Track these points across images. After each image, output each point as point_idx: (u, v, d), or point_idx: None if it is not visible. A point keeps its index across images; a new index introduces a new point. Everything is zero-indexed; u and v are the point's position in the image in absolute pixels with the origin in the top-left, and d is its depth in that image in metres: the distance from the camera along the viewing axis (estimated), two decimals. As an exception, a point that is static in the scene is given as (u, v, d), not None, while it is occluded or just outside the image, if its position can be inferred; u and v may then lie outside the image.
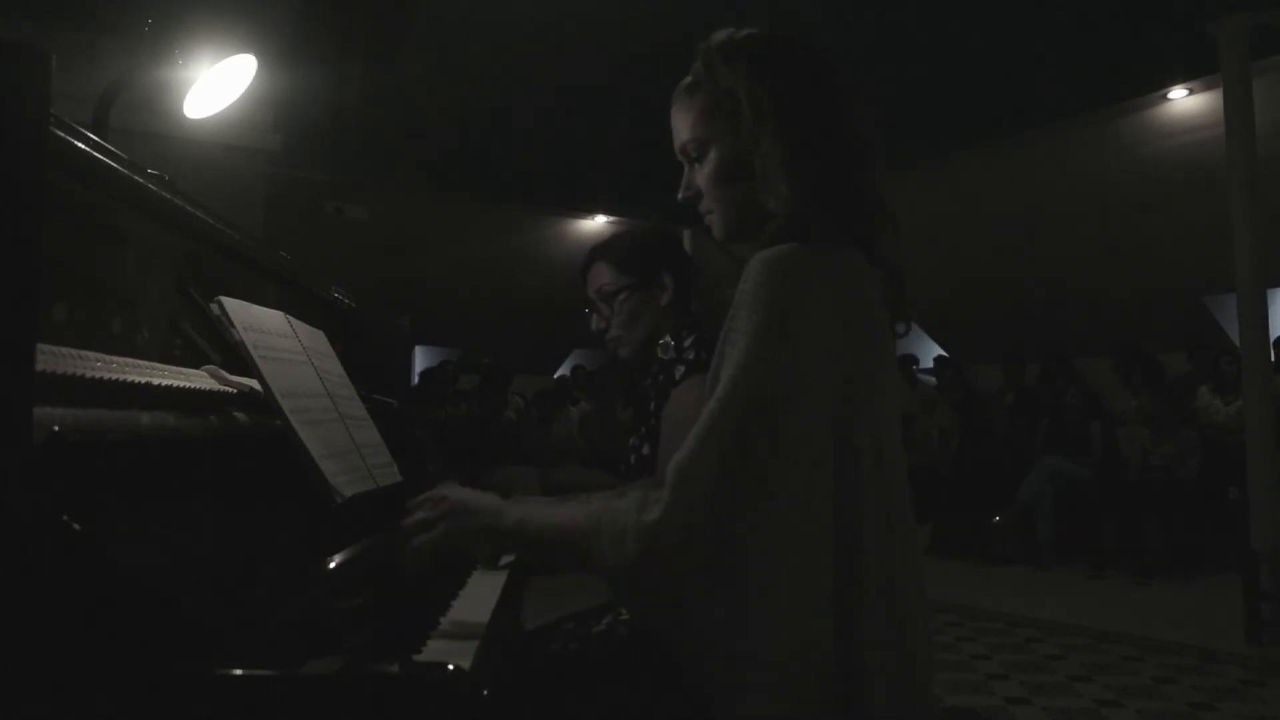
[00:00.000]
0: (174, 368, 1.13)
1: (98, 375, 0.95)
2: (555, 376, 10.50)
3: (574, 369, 10.47)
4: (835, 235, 1.09)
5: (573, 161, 6.54)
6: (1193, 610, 4.75)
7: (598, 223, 8.98)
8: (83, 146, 1.02)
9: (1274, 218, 4.58)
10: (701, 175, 1.19)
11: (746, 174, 1.13)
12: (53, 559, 0.75)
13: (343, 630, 1.00)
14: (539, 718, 1.37)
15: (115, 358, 1.00)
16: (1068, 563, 5.93)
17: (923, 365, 8.78)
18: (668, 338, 1.79)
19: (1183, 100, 5.89)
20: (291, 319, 1.50)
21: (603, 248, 1.89)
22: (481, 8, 4.19)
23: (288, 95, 4.04)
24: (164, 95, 2.15)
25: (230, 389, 1.24)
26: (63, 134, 0.98)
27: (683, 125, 1.19)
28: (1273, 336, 5.07)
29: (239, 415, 1.22)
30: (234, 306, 1.29)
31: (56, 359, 0.89)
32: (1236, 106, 4.41)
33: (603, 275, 1.85)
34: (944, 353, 8.96)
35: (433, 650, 1.00)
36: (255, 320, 1.33)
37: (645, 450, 1.80)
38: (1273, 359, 5.02)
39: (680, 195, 1.22)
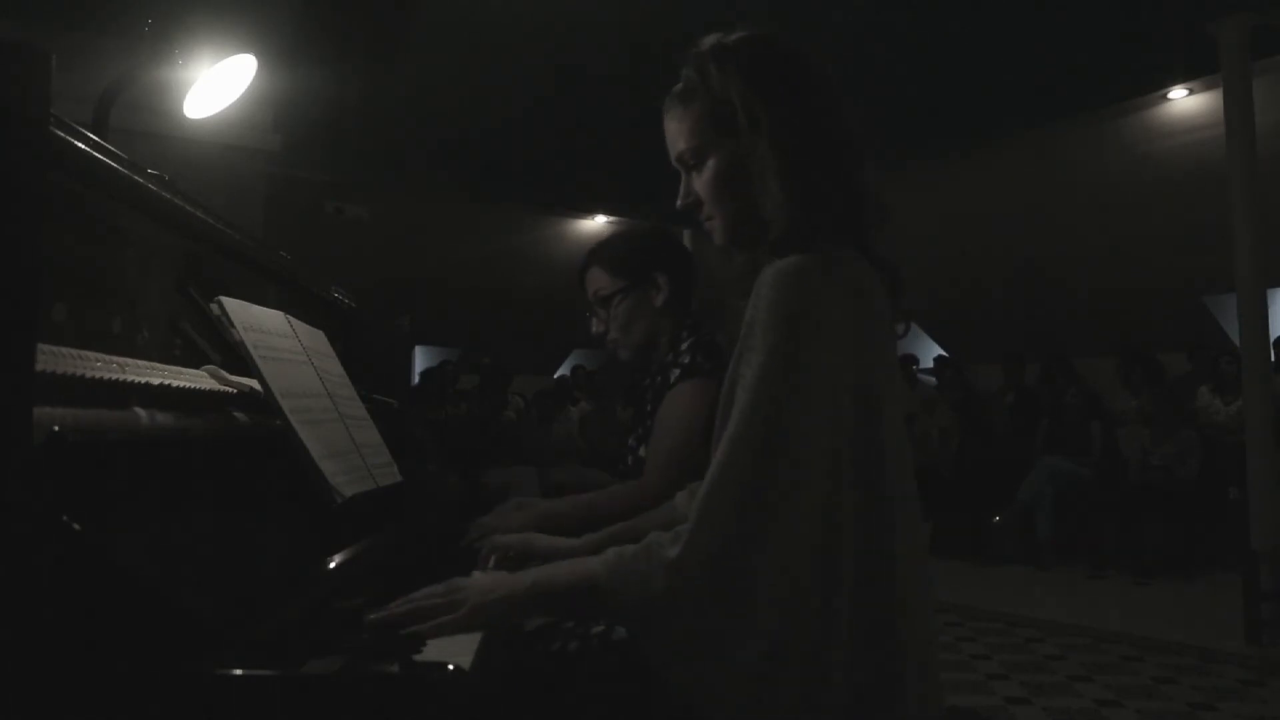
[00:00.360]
0: (174, 368, 1.13)
1: (98, 375, 0.94)
2: (555, 376, 10.50)
3: (574, 369, 10.47)
4: (834, 239, 1.09)
5: (573, 161, 6.54)
6: (1193, 610, 4.75)
7: (598, 223, 8.98)
8: (83, 146, 1.02)
9: (1274, 218, 4.58)
10: (700, 183, 1.17)
11: (745, 180, 1.12)
12: (52, 559, 0.75)
13: (343, 630, 1.00)
14: (539, 718, 1.37)
15: (115, 358, 1.00)
16: (1068, 563, 5.93)
17: (923, 365, 8.78)
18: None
19: (1183, 100, 5.89)
20: (291, 319, 1.50)
21: (597, 251, 1.90)
22: (481, 7, 4.19)
23: (288, 95, 4.04)
24: (164, 95, 2.15)
25: (230, 389, 1.24)
26: (63, 134, 0.98)
27: (678, 134, 1.18)
28: (1273, 336, 5.07)
29: (239, 415, 1.22)
30: (234, 306, 1.29)
31: (56, 359, 0.89)
32: (1236, 106, 4.41)
33: (598, 279, 1.86)
34: (944, 353, 8.96)
35: (433, 650, 1.00)
36: (255, 320, 1.33)
37: (642, 451, 1.81)
38: (1273, 359, 5.03)
39: (679, 203, 1.21)
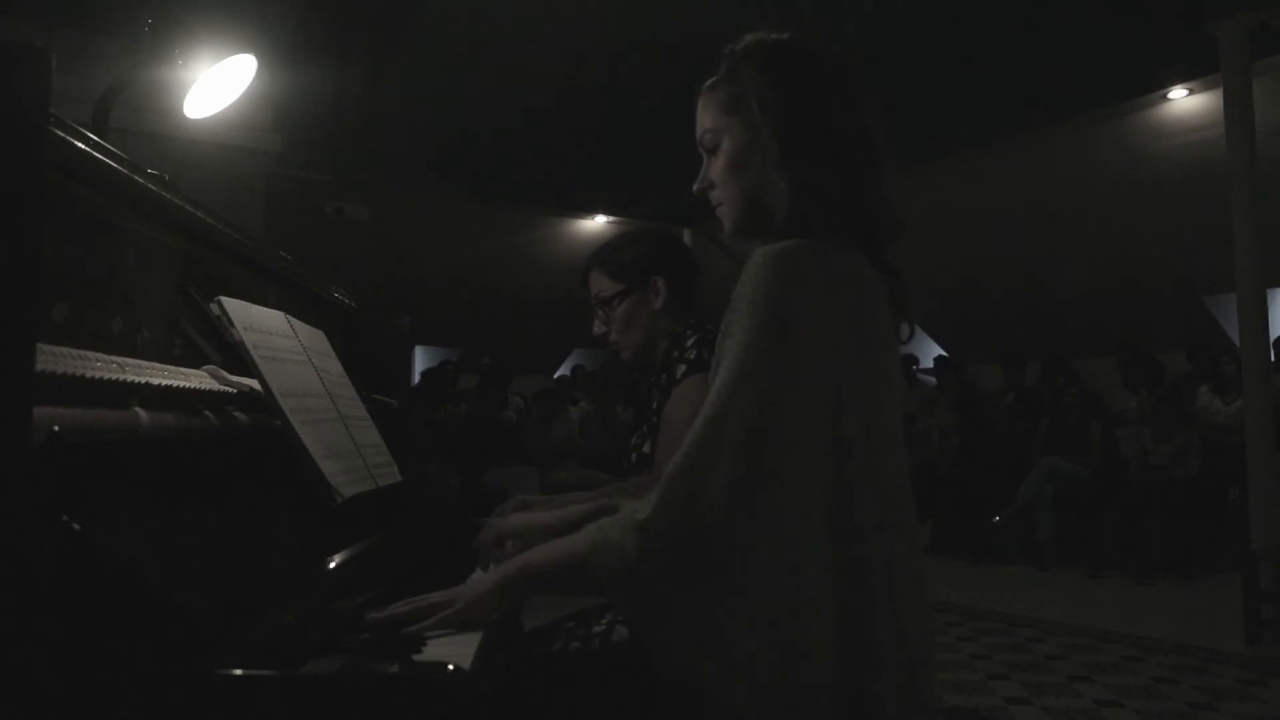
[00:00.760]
0: (174, 368, 1.13)
1: (98, 375, 0.94)
2: (555, 376, 10.51)
3: (574, 369, 10.47)
4: (833, 234, 1.09)
5: (573, 161, 6.54)
6: (1193, 610, 4.74)
7: (598, 223, 8.97)
8: (83, 146, 1.02)
9: (1274, 218, 4.58)
10: (715, 167, 1.21)
11: (755, 168, 1.15)
12: (52, 559, 0.75)
13: (343, 630, 1.00)
14: (539, 718, 1.37)
15: (115, 358, 1.00)
16: (1068, 563, 5.93)
17: (923, 365, 8.78)
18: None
19: (1183, 100, 5.89)
20: (291, 319, 1.50)
21: (597, 254, 1.92)
22: (481, 8, 4.19)
23: (288, 95, 4.04)
24: (164, 95, 2.15)
25: (230, 389, 1.24)
26: (63, 134, 0.98)
27: (703, 116, 1.22)
28: (1273, 336, 5.07)
29: (239, 415, 1.22)
30: (234, 306, 1.29)
31: (56, 359, 0.89)
32: (1236, 106, 4.41)
33: (599, 282, 1.87)
34: (944, 353, 8.96)
35: (433, 650, 1.00)
36: (255, 320, 1.33)
37: (646, 448, 1.81)
38: (1273, 359, 5.02)
39: (696, 186, 1.25)
